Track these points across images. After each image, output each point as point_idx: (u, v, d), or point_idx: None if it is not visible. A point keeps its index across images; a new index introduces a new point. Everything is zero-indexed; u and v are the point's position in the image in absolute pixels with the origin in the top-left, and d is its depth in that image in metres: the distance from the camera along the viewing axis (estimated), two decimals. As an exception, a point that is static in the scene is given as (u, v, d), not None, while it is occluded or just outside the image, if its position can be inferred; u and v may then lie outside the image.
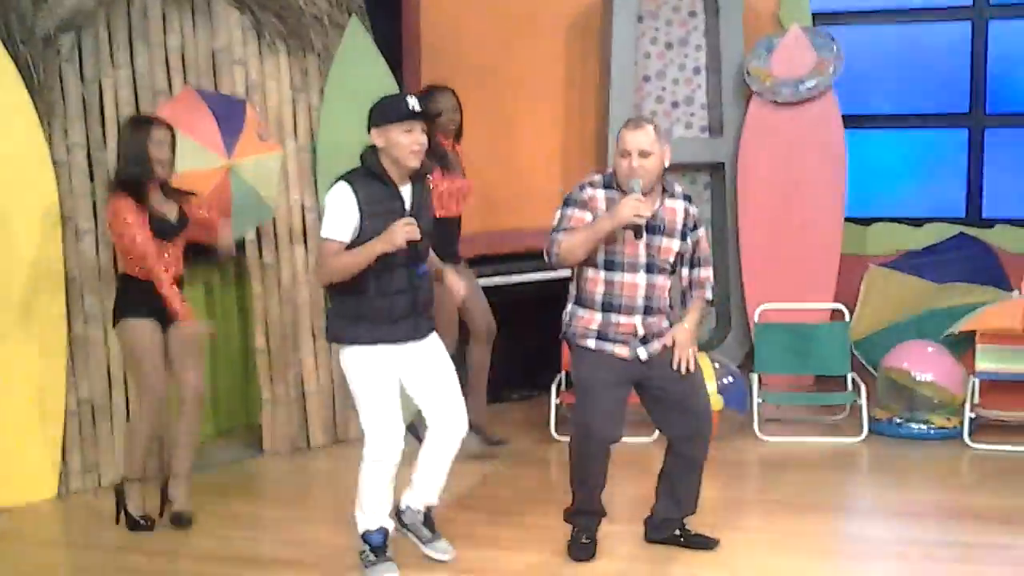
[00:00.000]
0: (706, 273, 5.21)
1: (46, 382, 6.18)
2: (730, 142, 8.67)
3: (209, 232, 5.85)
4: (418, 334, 4.94)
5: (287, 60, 7.07)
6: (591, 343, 5.04)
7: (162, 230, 5.57)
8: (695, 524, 5.42)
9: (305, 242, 7.12)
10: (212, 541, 5.59)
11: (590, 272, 5.02)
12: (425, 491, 5.16)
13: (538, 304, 7.38)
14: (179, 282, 5.70)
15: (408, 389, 5.01)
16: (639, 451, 6.85)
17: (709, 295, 5.22)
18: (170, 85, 6.63)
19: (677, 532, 5.39)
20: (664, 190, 5.05)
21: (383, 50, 7.40)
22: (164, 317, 5.61)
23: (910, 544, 5.42)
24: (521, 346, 7.82)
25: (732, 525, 5.72)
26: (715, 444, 6.87)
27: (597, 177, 5.08)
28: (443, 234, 5.96)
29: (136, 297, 5.59)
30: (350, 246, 4.73)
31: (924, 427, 7.16)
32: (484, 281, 7.18)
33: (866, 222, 9.16)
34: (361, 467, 4.92)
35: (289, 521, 5.90)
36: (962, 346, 7.38)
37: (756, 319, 7.77)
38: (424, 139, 4.80)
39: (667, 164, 4.99)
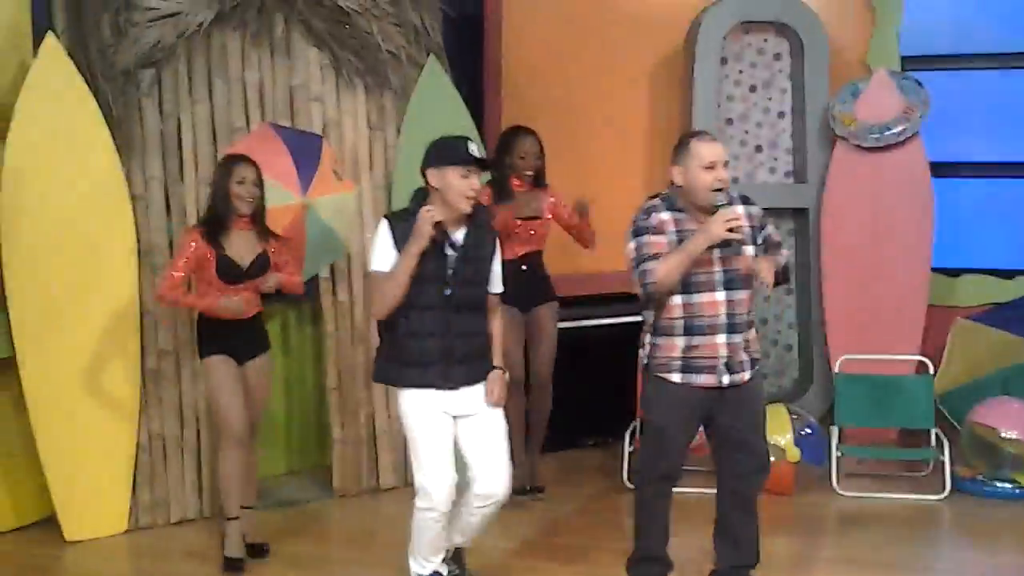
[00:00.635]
0: (783, 252, 5.11)
1: (119, 416, 6.23)
2: (814, 187, 8.52)
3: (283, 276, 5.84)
4: (450, 382, 4.82)
5: (364, 97, 7.06)
6: (676, 377, 4.87)
7: (229, 273, 5.56)
8: (766, 579, 5.28)
9: (379, 281, 7.09)
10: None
11: (667, 299, 4.85)
12: (457, 539, 5.12)
13: (615, 347, 7.32)
14: (255, 320, 5.76)
15: (458, 440, 4.93)
16: (708, 502, 6.72)
17: (782, 261, 5.03)
18: (248, 121, 6.65)
19: None
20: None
21: (464, 89, 7.40)
22: (238, 352, 5.62)
23: (992, 609, 5.24)
24: (597, 390, 7.72)
25: (807, 582, 5.58)
26: (791, 499, 6.84)
27: (656, 201, 4.94)
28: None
29: (207, 334, 5.64)
30: None
31: (1009, 487, 6.93)
32: (561, 325, 7.06)
33: (955, 273, 8.94)
34: (413, 513, 4.89)
35: (354, 564, 5.85)
36: (1051, 403, 7.15)
37: (837, 369, 7.58)
38: (479, 185, 4.78)
39: None
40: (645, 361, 4.98)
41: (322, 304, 7.00)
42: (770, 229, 5.08)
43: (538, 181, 6.80)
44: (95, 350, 6.13)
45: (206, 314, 5.64)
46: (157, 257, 6.32)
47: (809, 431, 7.00)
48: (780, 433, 6.87)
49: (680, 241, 4.80)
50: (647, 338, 4.98)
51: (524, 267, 6.68)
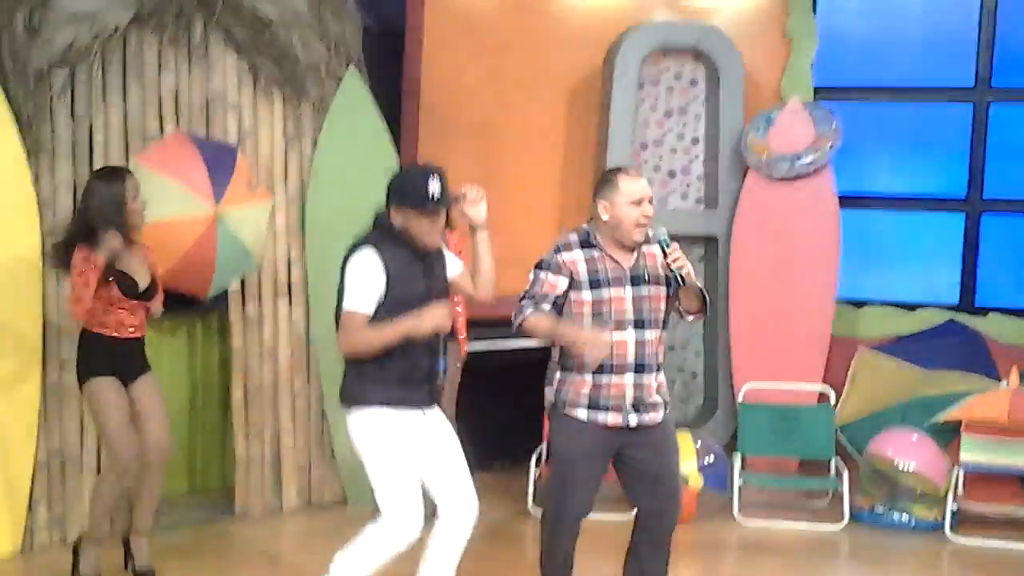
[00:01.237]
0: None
1: (16, 431, 6.02)
2: (725, 215, 8.59)
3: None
4: (432, 401, 4.76)
5: (282, 108, 6.99)
6: (581, 413, 4.85)
7: (127, 291, 5.45)
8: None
9: (290, 296, 7.01)
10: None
11: None
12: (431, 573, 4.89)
13: (521, 372, 7.27)
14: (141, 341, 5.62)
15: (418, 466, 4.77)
16: (618, 531, 6.74)
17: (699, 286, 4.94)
18: (162, 127, 6.54)
19: None
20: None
21: (381, 103, 7.35)
22: (126, 374, 5.50)
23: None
24: (503, 414, 7.72)
25: (707, 611, 5.62)
26: (693, 525, 6.90)
27: (573, 237, 4.90)
28: None
29: (98, 354, 5.48)
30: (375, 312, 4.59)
31: (905, 517, 7.05)
32: (470, 348, 7.03)
33: (858, 304, 9.07)
34: (365, 534, 4.65)
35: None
36: (947, 435, 7.29)
37: (741, 398, 7.66)
38: (441, 221, 4.67)
39: None
40: (552, 399, 4.95)
41: (230, 318, 6.89)
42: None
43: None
44: (-6, 361, 5.96)
45: (92, 331, 5.47)
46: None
47: (713, 458, 7.07)
48: (684, 460, 6.85)
49: (591, 281, 4.81)
50: (556, 375, 4.96)
51: None
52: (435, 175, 4.60)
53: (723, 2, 9.01)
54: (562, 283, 4.81)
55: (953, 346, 8.52)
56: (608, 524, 6.73)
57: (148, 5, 6.39)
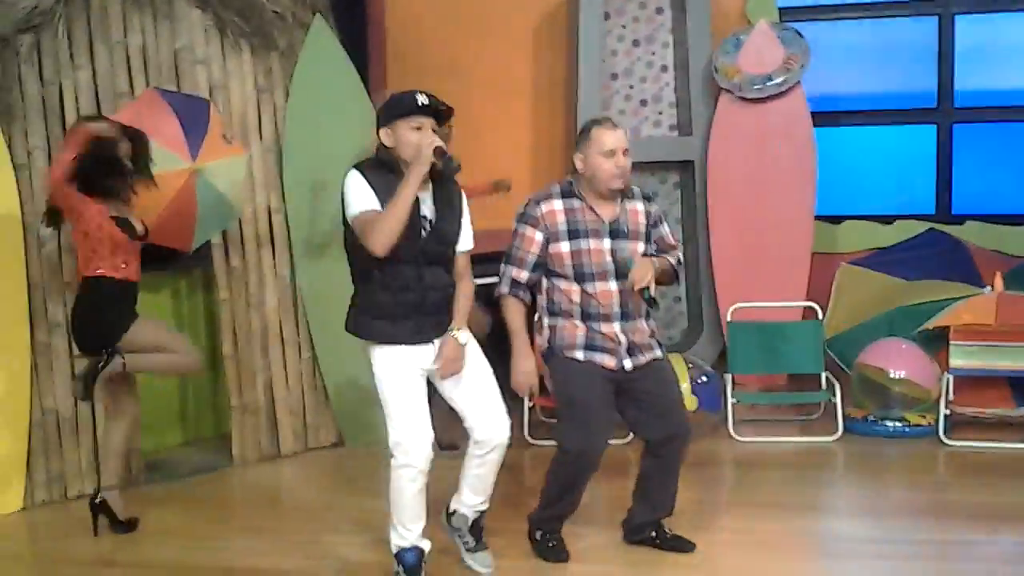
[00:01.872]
0: (675, 253, 5.14)
1: (9, 392, 6.02)
2: (699, 140, 8.62)
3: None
4: (422, 336, 4.69)
5: (251, 59, 6.95)
6: (580, 354, 4.92)
7: (131, 233, 5.50)
8: (672, 525, 5.35)
9: (273, 245, 7.00)
10: (182, 553, 5.47)
11: (563, 283, 4.94)
12: (472, 498, 4.96)
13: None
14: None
15: (443, 394, 4.83)
16: (614, 453, 6.79)
17: (674, 261, 5.08)
18: (132, 86, 6.49)
19: (654, 534, 5.32)
20: (623, 193, 4.98)
21: (348, 49, 7.31)
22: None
23: (887, 543, 5.37)
24: (492, 348, 7.71)
25: (707, 526, 5.67)
26: (690, 445, 6.91)
27: (555, 187, 4.98)
28: None
29: (120, 300, 5.53)
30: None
31: (899, 425, 7.13)
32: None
33: (836, 220, 9.14)
34: (391, 476, 4.68)
35: (260, 531, 5.78)
36: (935, 343, 7.35)
37: (728, 318, 7.71)
38: (435, 138, 4.54)
39: None
40: (546, 344, 5.02)
41: (215, 271, 6.88)
42: (664, 230, 5.13)
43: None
44: (-21, 325, 5.95)
45: (106, 275, 5.48)
46: (44, 228, 6.13)
47: (705, 379, 7.12)
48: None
49: (570, 232, 4.88)
50: (545, 320, 5.03)
51: None
52: (422, 92, 4.57)
53: (684, -73, 8.98)
54: (539, 238, 4.90)
55: (934, 255, 8.60)
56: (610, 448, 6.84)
57: (108, -36, 6.34)
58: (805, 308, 7.92)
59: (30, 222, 6.10)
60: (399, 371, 4.65)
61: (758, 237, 8.36)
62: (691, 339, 8.76)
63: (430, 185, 4.65)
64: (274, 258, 7.01)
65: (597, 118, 5.08)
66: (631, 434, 7.01)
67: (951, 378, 7.00)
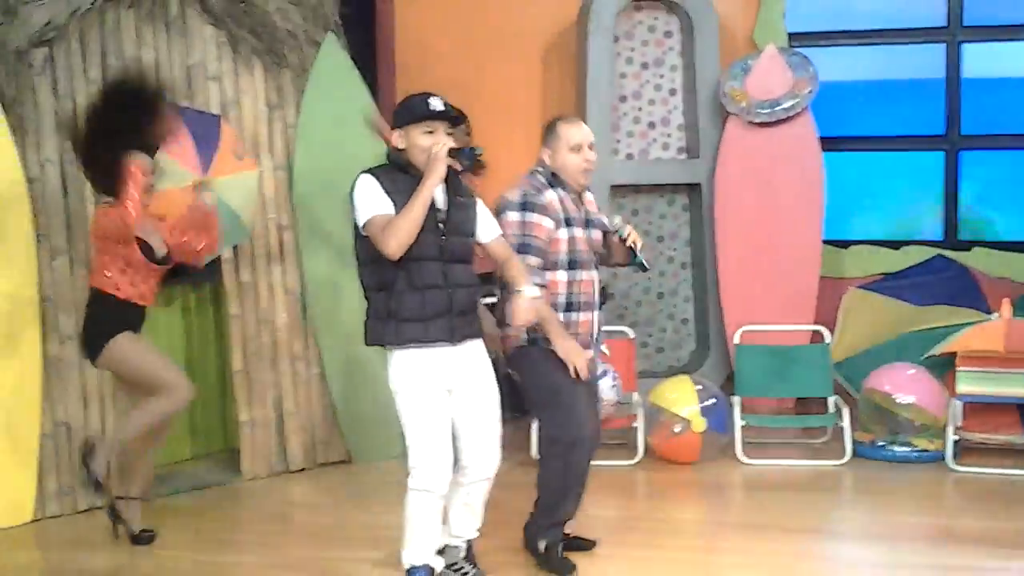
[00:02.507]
0: None
1: (21, 404, 6.02)
2: (707, 163, 8.63)
3: (188, 254, 5.73)
4: (454, 338, 4.59)
5: (263, 76, 6.97)
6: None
7: (147, 254, 5.49)
8: (679, 547, 5.34)
9: (282, 261, 7.01)
10: (191, 566, 5.46)
11: (550, 275, 4.96)
12: (463, 529, 4.92)
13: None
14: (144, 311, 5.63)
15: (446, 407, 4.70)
16: (621, 474, 6.81)
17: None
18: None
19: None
20: None
21: (358, 66, 7.33)
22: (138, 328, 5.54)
23: (893, 568, 5.35)
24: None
25: (714, 548, 5.68)
26: (697, 466, 6.97)
27: (540, 178, 5.01)
28: None
29: (115, 315, 5.49)
30: None
31: (907, 450, 7.11)
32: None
33: (844, 244, 9.13)
34: (406, 497, 4.62)
35: (269, 547, 5.77)
36: (943, 368, 7.34)
37: (736, 341, 7.70)
38: (448, 141, 4.53)
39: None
40: (526, 336, 4.99)
41: (225, 286, 6.88)
42: (604, 219, 5.29)
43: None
44: (-6, 337, 5.95)
45: (105, 292, 5.49)
46: (55, 240, 6.16)
47: (714, 401, 7.10)
48: (686, 403, 6.98)
49: (567, 220, 4.97)
50: None
51: None
52: (436, 96, 4.56)
53: (694, -48, 9.01)
54: (549, 224, 4.93)
55: (941, 281, 8.58)
56: (614, 469, 6.86)
57: (121, -19, 6.37)
58: (813, 332, 7.91)
59: (42, 235, 6.11)
60: (425, 386, 4.55)
61: (766, 260, 8.36)
62: (698, 361, 8.75)
63: (442, 186, 4.61)
64: (284, 274, 7.01)
65: (561, 115, 5.20)
66: (639, 454, 7.03)
67: (959, 404, 6.99)
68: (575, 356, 4.88)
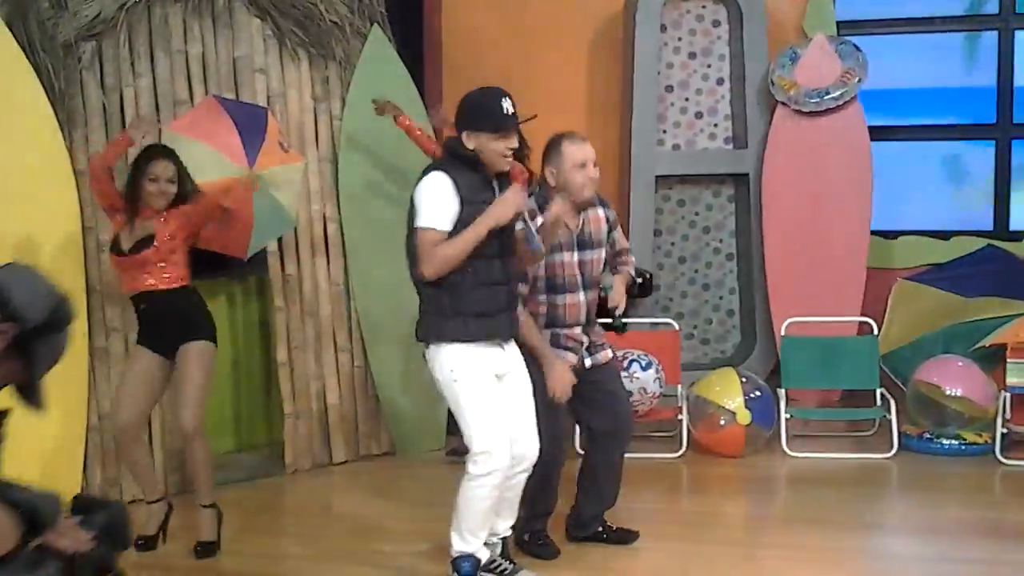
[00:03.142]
0: (629, 257, 5.39)
1: (67, 396, 6.03)
2: (754, 153, 8.57)
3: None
4: (512, 331, 4.72)
5: (308, 68, 7.00)
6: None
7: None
8: (724, 540, 5.32)
9: (327, 254, 7.03)
10: (233, 558, 5.49)
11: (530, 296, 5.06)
12: (502, 524, 4.92)
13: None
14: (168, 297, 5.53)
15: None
16: (665, 466, 6.80)
17: (633, 272, 5.37)
18: (191, 93, 6.55)
19: (600, 528, 5.45)
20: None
21: (404, 58, 7.35)
22: (163, 342, 5.48)
23: (941, 561, 5.34)
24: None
25: (759, 542, 5.66)
26: (742, 460, 6.93)
27: (532, 202, 4.98)
28: None
29: (138, 320, 5.56)
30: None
31: (955, 443, 7.06)
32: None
33: (892, 235, 9.04)
34: (463, 483, 4.64)
35: (312, 539, 5.80)
36: (992, 360, 7.27)
37: (783, 333, 7.65)
38: (515, 142, 4.60)
39: None
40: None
41: (270, 278, 6.91)
42: (617, 234, 5.31)
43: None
44: (40, 329, 5.98)
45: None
46: (102, 233, 6.19)
47: (759, 393, 7.06)
48: (730, 396, 6.95)
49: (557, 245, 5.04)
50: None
51: None
52: (506, 96, 4.58)
53: (742, -60, 8.94)
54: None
55: (991, 272, 8.48)
56: (658, 462, 6.85)
57: (170, -27, 6.41)
58: (860, 323, 7.86)
59: (89, 227, 6.17)
60: (484, 373, 4.61)
61: (813, 251, 8.30)
62: (744, 353, 8.70)
63: (495, 181, 4.66)
64: (328, 266, 7.04)
65: (564, 133, 5.19)
66: (683, 447, 7.00)
67: (1008, 396, 6.92)
68: (559, 385, 4.98)
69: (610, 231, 5.25)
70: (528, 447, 4.77)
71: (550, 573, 5.09)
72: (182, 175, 5.55)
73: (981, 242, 8.82)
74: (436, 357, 4.63)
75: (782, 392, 7.25)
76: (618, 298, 5.11)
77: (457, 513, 4.69)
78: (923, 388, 7.21)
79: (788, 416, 7.16)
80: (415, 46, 8.29)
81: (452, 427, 5.43)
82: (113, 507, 2.77)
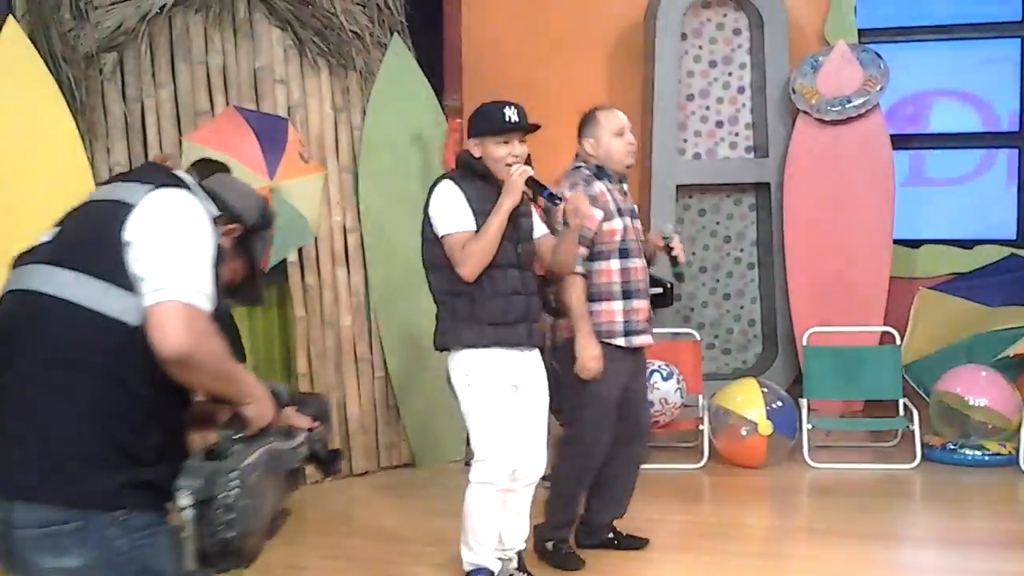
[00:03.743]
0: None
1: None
2: (776, 162, 8.55)
3: None
4: (532, 340, 4.70)
5: (329, 79, 6.99)
6: (621, 341, 4.99)
7: None
8: (741, 551, 5.33)
9: (347, 264, 7.03)
10: (255, 569, 5.46)
11: (603, 264, 4.96)
12: (514, 540, 4.93)
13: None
14: None
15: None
16: (686, 477, 6.77)
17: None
18: (212, 104, 6.57)
19: (611, 535, 5.41)
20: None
21: (424, 68, 7.35)
22: None
23: (964, 573, 5.30)
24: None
25: (781, 553, 5.63)
26: (764, 470, 6.90)
27: (586, 172, 5.03)
28: None
29: None
30: None
31: (979, 453, 7.01)
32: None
33: (915, 244, 9.01)
34: (466, 491, 4.70)
35: (332, 549, 5.79)
36: (1016, 370, 7.25)
37: (804, 343, 7.62)
38: (521, 150, 4.63)
39: None
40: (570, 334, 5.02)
41: (290, 288, 6.92)
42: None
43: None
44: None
45: None
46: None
47: (780, 404, 7.03)
48: (752, 407, 6.91)
49: (618, 210, 4.99)
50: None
51: None
52: (511, 105, 4.64)
53: (762, -52, 8.93)
54: (599, 215, 4.93)
55: (1014, 281, 8.46)
56: (679, 472, 6.82)
57: (191, -15, 6.43)
58: (883, 333, 7.82)
59: (110, 238, 6.16)
60: (498, 382, 4.62)
61: (835, 260, 8.27)
62: (765, 363, 8.68)
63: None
64: (349, 277, 7.04)
65: (597, 105, 5.22)
66: (704, 459, 6.97)
67: (1032, 406, 6.89)
68: (590, 361, 4.87)
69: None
70: (530, 462, 4.79)
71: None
72: None
73: (1004, 251, 8.80)
74: (452, 363, 4.68)
75: (804, 402, 7.21)
76: (679, 249, 5.07)
77: (463, 524, 4.74)
78: (946, 398, 7.16)
79: (810, 426, 7.12)
80: (435, 56, 8.30)
81: None
82: (320, 398, 3.11)
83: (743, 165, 8.83)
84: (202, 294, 2.43)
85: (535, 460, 4.80)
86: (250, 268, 2.90)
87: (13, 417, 2.45)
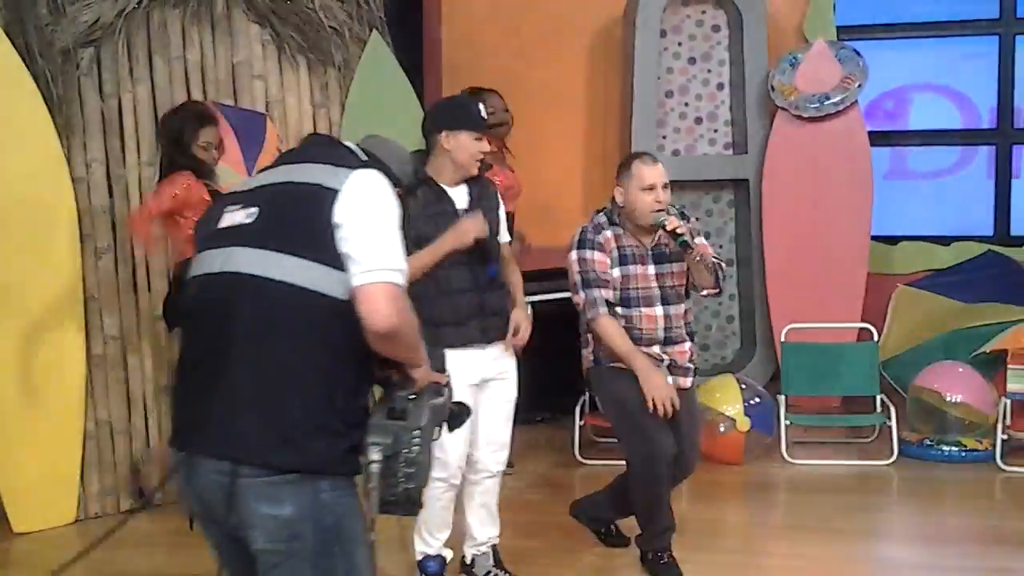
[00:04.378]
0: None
1: (64, 404, 6.04)
2: (754, 158, 8.55)
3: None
4: (486, 337, 4.70)
5: (307, 74, 6.96)
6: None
7: None
8: (720, 549, 5.40)
9: (324, 260, 7.01)
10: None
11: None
12: (485, 531, 4.96)
13: (559, 323, 7.19)
14: None
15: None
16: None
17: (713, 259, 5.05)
18: (190, 100, 6.53)
19: (604, 529, 5.50)
20: None
21: (403, 64, 7.33)
22: None
23: (940, 570, 5.32)
24: (545, 366, 7.65)
25: (759, 550, 5.65)
26: (742, 467, 6.91)
27: (601, 218, 5.06)
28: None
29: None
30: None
31: (955, 449, 7.04)
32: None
33: (893, 240, 9.04)
34: None
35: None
36: (992, 367, 7.25)
37: (782, 339, 7.64)
38: (487, 147, 4.76)
39: None
40: (592, 357, 5.08)
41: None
42: (699, 240, 5.08)
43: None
44: (38, 337, 5.92)
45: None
46: (100, 240, 6.19)
47: (758, 400, 7.05)
48: (730, 403, 6.93)
49: (621, 257, 4.97)
50: (589, 336, 5.08)
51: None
52: (477, 101, 4.77)
53: (741, -55, 8.94)
54: (607, 260, 4.96)
55: (991, 277, 8.48)
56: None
57: (168, -20, 6.40)
58: (860, 329, 7.84)
59: (87, 235, 6.15)
60: (459, 386, 4.51)
61: (813, 257, 8.28)
62: (743, 360, 8.69)
63: (465, 186, 4.75)
64: (326, 272, 7.02)
65: (638, 152, 5.21)
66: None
67: (1008, 402, 6.90)
68: (658, 393, 4.82)
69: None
70: (488, 455, 4.85)
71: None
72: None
73: (982, 247, 8.83)
74: None
75: (782, 399, 7.22)
76: (672, 220, 4.94)
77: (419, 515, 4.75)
78: (923, 394, 7.20)
79: (788, 423, 7.13)
80: (415, 52, 8.29)
81: None
82: (437, 351, 3.27)
83: (722, 162, 8.83)
84: (401, 272, 2.77)
85: (496, 452, 4.86)
86: (402, 227, 3.01)
87: (242, 391, 2.73)
